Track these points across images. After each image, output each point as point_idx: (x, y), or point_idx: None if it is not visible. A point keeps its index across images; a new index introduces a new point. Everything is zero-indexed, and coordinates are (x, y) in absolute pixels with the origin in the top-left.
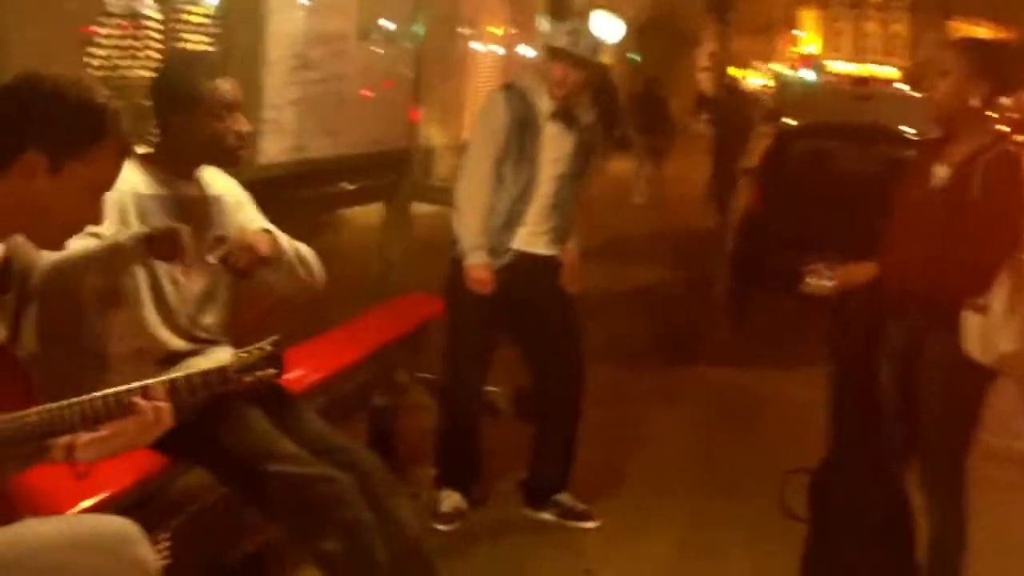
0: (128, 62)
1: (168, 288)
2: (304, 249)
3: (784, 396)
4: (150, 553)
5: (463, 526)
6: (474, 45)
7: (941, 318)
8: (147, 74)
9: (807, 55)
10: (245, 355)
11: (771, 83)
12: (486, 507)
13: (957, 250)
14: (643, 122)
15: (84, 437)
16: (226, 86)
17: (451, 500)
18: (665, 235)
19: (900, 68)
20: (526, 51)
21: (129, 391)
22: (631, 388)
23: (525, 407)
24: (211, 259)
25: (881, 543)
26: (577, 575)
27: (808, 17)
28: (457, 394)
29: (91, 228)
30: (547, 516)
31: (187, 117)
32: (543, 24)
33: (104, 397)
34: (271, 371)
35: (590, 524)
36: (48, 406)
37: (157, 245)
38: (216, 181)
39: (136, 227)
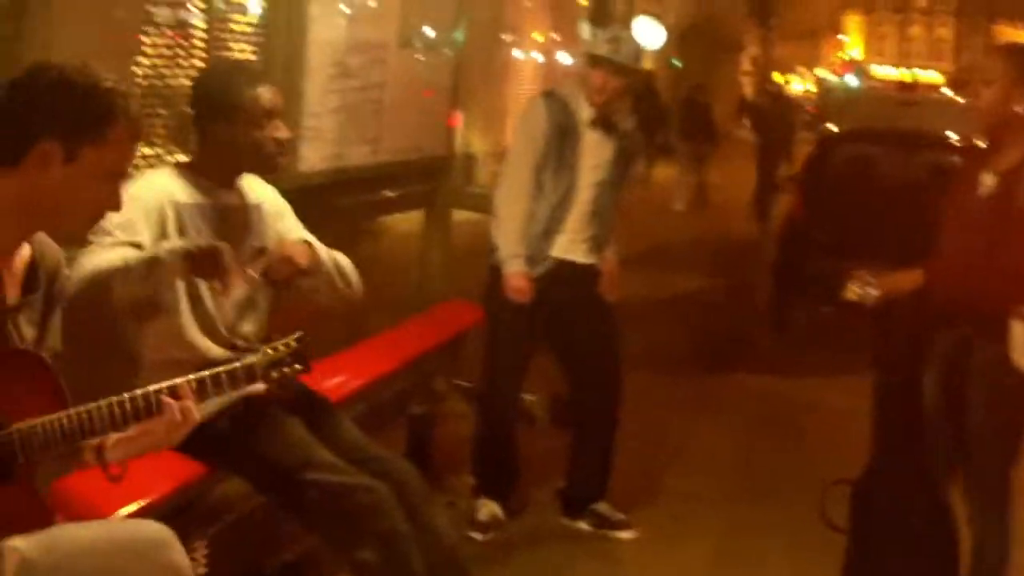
0: (173, 71)
1: (207, 297)
2: (342, 259)
3: (824, 404)
4: (184, 558)
5: (500, 535)
6: (516, 52)
7: (987, 327)
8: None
9: (851, 60)
10: (271, 352)
11: (814, 89)
12: (523, 516)
13: (1004, 258)
14: (686, 128)
15: (113, 437)
16: (267, 94)
17: (488, 509)
18: (707, 242)
19: (944, 73)
20: (567, 58)
21: (157, 391)
22: (670, 396)
23: (562, 415)
24: (252, 273)
25: (923, 552)
26: None
27: (852, 22)
28: (494, 402)
29: (131, 238)
30: (584, 525)
31: (227, 126)
32: (585, 31)
33: (132, 398)
34: (297, 367)
35: (627, 534)
36: (77, 408)
37: (198, 263)
38: (256, 189)
39: (174, 236)
